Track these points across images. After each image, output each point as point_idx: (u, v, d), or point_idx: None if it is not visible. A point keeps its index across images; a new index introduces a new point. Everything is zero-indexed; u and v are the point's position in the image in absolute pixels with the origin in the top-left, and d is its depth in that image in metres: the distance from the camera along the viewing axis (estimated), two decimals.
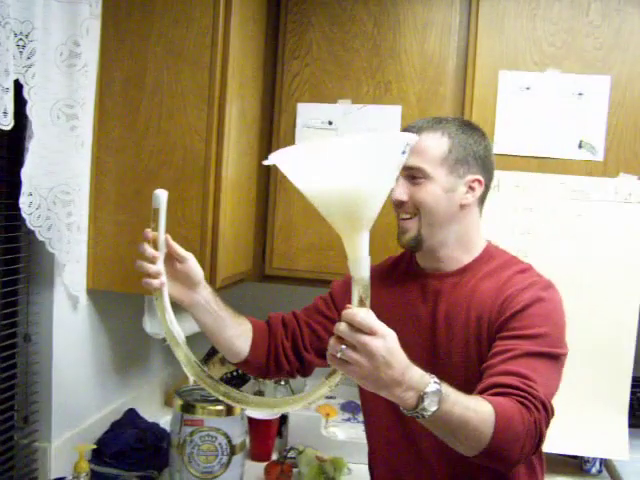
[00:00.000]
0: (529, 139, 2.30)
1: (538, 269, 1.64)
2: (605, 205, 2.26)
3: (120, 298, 2.26)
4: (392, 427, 1.65)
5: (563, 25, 2.28)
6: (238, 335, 1.66)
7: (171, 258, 1.50)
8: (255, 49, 2.28)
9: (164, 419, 2.43)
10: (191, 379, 1.42)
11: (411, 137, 1.16)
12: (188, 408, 1.99)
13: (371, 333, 1.12)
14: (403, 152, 1.16)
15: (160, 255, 1.45)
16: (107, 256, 2.08)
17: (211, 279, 2.02)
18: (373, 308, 1.66)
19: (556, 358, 1.47)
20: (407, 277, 1.71)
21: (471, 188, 1.60)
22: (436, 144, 1.57)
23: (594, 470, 2.38)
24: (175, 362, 2.74)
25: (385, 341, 1.13)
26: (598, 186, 2.26)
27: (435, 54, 2.32)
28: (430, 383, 1.20)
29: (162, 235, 1.43)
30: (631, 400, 2.34)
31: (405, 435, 1.63)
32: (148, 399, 2.62)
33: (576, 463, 2.40)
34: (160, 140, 2.03)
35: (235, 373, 2.59)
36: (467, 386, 1.44)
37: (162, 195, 1.42)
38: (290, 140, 2.39)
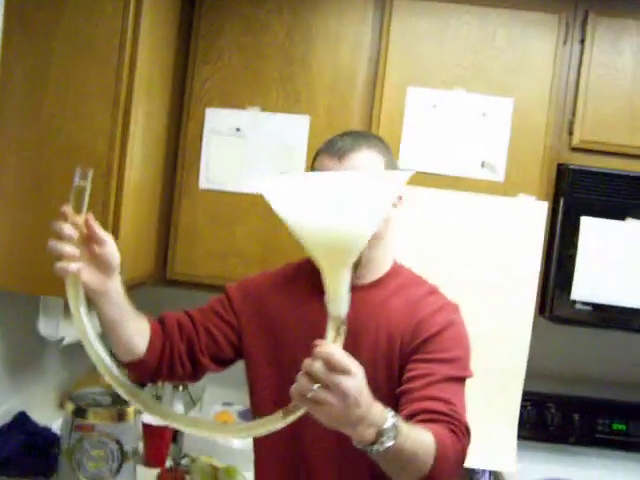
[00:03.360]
0: (434, 157, 2.35)
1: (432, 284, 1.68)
2: (501, 223, 2.32)
3: (14, 299, 2.19)
4: (285, 446, 1.64)
5: (470, 47, 2.34)
6: (139, 331, 1.56)
7: (88, 241, 1.35)
8: (166, 52, 2.25)
9: (58, 423, 2.37)
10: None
11: (407, 175, 1.12)
12: (79, 412, 1.95)
13: (345, 372, 1.09)
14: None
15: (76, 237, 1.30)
16: (2, 255, 2.02)
17: None
18: (277, 316, 1.66)
19: (465, 380, 1.52)
20: (310, 291, 1.64)
21: (396, 204, 1.61)
22: (375, 163, 1.56)
23: None
24: (73, 365, 2.71)
25: (356, 380, 1.10)
26: (496, 205, 2.32)
27: (345, 67, 2.35)
28: (387, 418, 1.19)
29: (82, 215, 1.30)
30: (521, 413, 2.42)
31: (299, 456, 1.63)
32: (41, 402, 2.54)
33: (466, 475, 2.45)
34: (63, 140, 1.97)
35: None
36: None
37: (87, 171, 1.31)
38: (197, 145, 2.38)
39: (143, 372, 1.63)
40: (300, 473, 1.66)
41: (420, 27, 2.35)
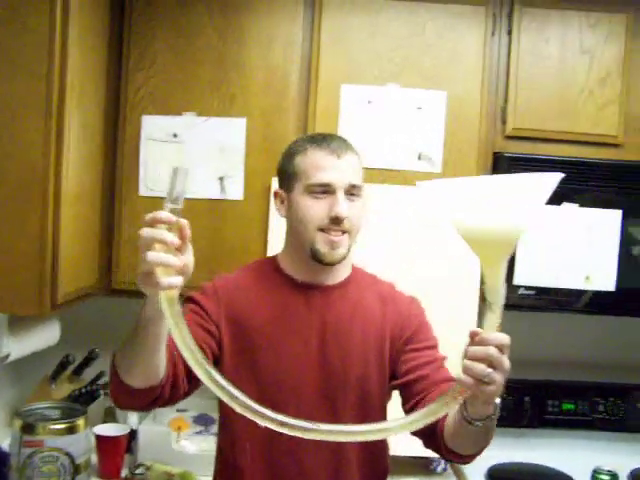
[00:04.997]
0: (371, 151, 2.37)
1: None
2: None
3: None
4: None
5: (401, 42, 2.37)
6: (164, 356, 1.41)
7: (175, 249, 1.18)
8: (97, 60, 2.23)
9: (8, 441, 2.33)
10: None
11: (558, 178, 1.16)
12: (28, 428, 1.93)
13: (506, 352, 1.21)
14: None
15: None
16: None
17: (52, 294, 1.96)
18: (254, 319, 1.64)
19: None
20: (284, 289, 1.69)
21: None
22: (358, 164, 1.65)
23: (440, 469, 2.49)
24: (20, 381, 2.66)
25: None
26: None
27: (279, 68, 2.36)
28: None
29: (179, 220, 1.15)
30: None
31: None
32: None
33: (423, 463, 2.49)
34: None
35: (84, 390, 2.53)
36: (362, 395, 1.59)
37: (184, 171, 1.13)
38: (135, 152, 2.36)
39: (149, 398, 1.47)
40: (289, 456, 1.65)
41: (351, 24, 2.37)
